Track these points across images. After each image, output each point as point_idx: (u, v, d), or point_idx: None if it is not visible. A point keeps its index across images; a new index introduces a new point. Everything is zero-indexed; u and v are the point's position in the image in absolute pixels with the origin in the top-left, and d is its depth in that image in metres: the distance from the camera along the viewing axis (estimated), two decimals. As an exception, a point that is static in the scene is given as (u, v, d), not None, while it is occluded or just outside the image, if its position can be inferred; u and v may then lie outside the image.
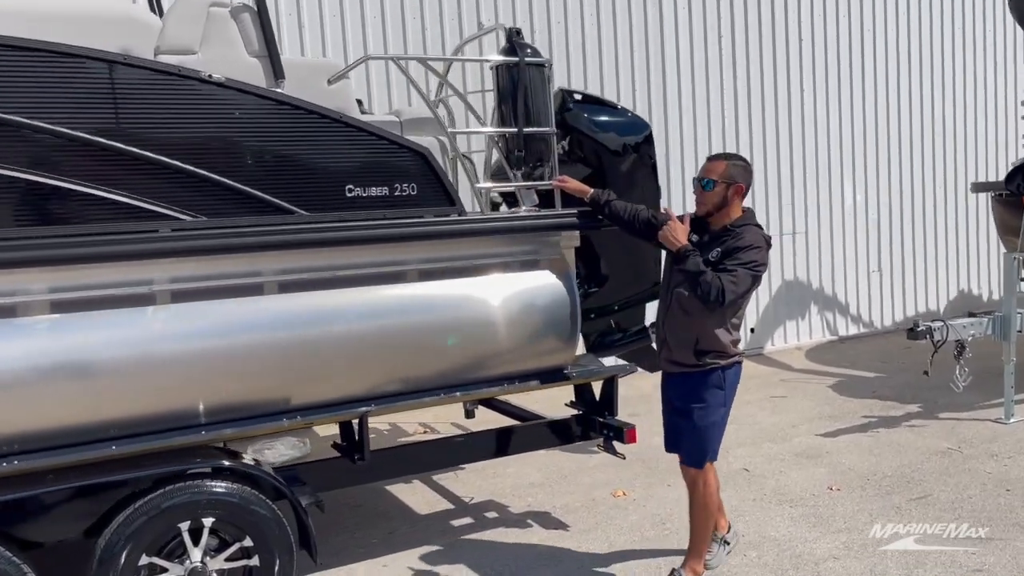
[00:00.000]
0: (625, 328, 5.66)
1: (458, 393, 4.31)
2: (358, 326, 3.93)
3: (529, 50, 4.36)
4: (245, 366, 3.71)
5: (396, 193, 3.98)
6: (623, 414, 4.96)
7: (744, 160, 3.96)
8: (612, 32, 8.45)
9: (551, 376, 4.56)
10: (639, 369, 5.53)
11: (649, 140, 5.38)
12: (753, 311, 9.37)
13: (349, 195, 3.89)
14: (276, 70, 3.73)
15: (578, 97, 5.47)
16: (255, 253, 3.70)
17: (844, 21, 9.67)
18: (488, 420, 5.33)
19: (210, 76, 3.55)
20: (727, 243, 3.74)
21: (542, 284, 4.39)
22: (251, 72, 3.71)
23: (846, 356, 9.14)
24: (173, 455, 3.68)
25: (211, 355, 3.64)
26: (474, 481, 5.71)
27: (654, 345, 5.82)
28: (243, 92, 3.63)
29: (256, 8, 3.69)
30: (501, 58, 4.28)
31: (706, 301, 3.63)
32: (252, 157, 3.67)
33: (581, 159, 5.16)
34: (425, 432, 7.07)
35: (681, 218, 3.89)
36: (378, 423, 7.21)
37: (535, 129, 4.33)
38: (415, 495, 5.50)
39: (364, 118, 4.07)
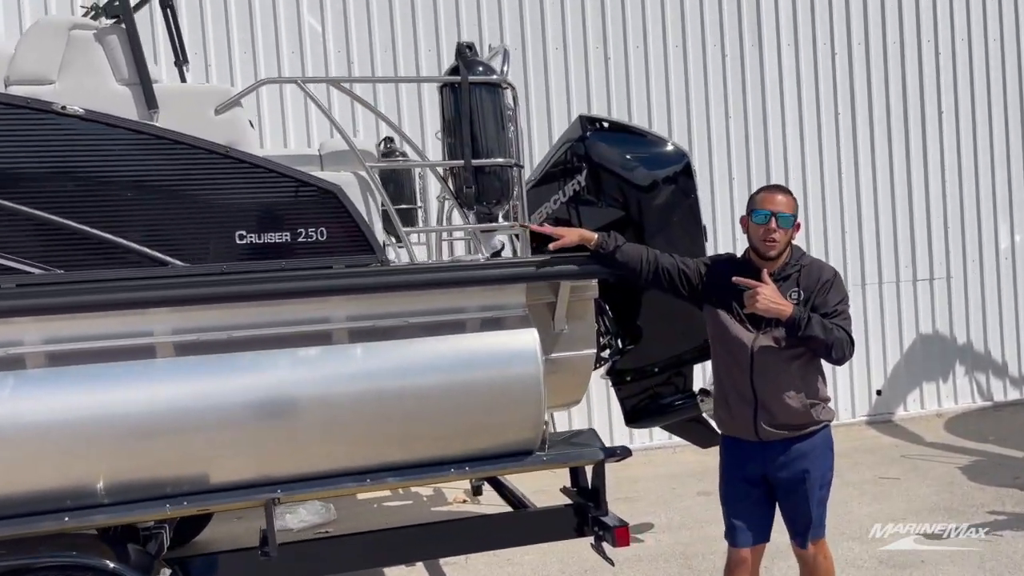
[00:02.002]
0: (668, 394, 4.79)
1: (390, 479, 3.58)
2: (242, 397, 3.30)
3: (480, 68, 3.62)
4: (103, 444, 3.17)
5: (300, 239, 3.34)
6: (660, 499, 4.13)
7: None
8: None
9: (514, 459, 3.72)
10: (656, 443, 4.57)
11: (687, 172, 4.52)
12: (880, 369, 8.00)
13: (240, 242, 3.29)
14: (148, 99, 3.22)
15: (603, 125, 4.70)
16: (110, 312, 3.18)
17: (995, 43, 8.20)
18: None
19: (64, 108, 3.08)
20: (804, 281, 3.37)
21: (493, 347, 3.60)
22: (120, 102, 3.21)
23: (998, 428, 7.55)
24: (23, 545, 3.18)
25: (63, 430, 3.13)
26: (484, 572, 4.94)
27: (706, 415, 4.87)
28: (107, 125, 3.13)
29: (126, 30, 3.20)
30: (439, 77, 3.58)
31: (842, 360, 3.36)
32: (117, 200, 3.16)
33: (605, 198, 4.38)
34: (465, 501, 6.36)
35: (738, 260, 3.50)
36: (423, 487, 6.58)
37: (487, 161, 3.57)
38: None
39: (272, 152, 3.49)
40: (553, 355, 4.09)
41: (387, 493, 6.56)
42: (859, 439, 7.47)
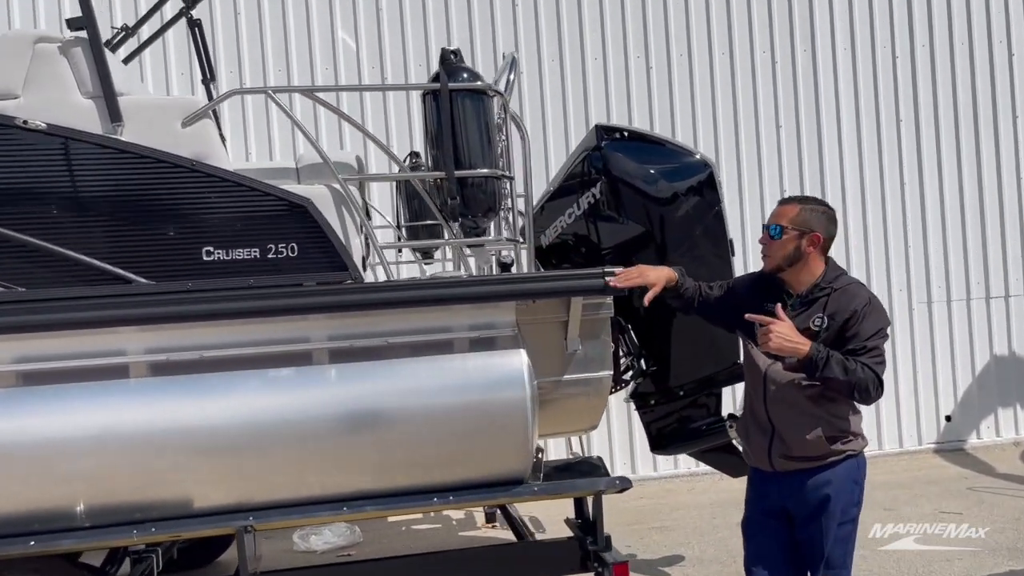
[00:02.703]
0: (697, 418, 4.51)
1: (369, 508, 3.40)
2: (209, 420, 3.18)
3: (464, 74, 3.43)
4: (64, 468, 3.09)
5: (270, 255, 3.21)
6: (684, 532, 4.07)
7: (825, 205, 3.20)
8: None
9: (502, 489, 3.49)
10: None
11: (710, 184, 4.28)
12: (949, 393, 7.44)
13: (207, 259, 3.18)
14: (112, 112, 3.13)
15: (621, 134, 4.48)
16: (73, 331, 3.10)
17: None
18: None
19: (26, 122, 3.02)
20: (832, 307, 3.04)
21: (475, 369, 3.39)
22: (84, 116, 3.14)
23: (1083, 459, 6.94)
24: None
25: (23, 453, 3.06)
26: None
27: (735, 442, 4.57)
28: (69, 140, 3.07)
29: (89, 41, 3.13)
30: (420, 84, 3.41)
31: (867, 402, 3.03)
32: (80, 216, 3.10)
33: (623, 212, 4.15)
34: (494, 527, 6.13)
35: (766, 277, 3.18)
36: (454, 511, 6.38)
37: (470, 172, 3.37)
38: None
39: (249, 166, 3.37)
40: (566, 376, 3.88)
41: (417, 515, 6.39)
42: (923, 468, 6.96)
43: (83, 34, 3.12)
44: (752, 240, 6.89)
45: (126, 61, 5.02)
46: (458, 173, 3.33)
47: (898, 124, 7.37)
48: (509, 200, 3.55)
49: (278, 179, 3.37)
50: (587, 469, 3.85)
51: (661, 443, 4.60)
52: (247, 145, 6.43)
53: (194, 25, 4.95)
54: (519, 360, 3.41)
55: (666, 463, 6.98)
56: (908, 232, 7.41)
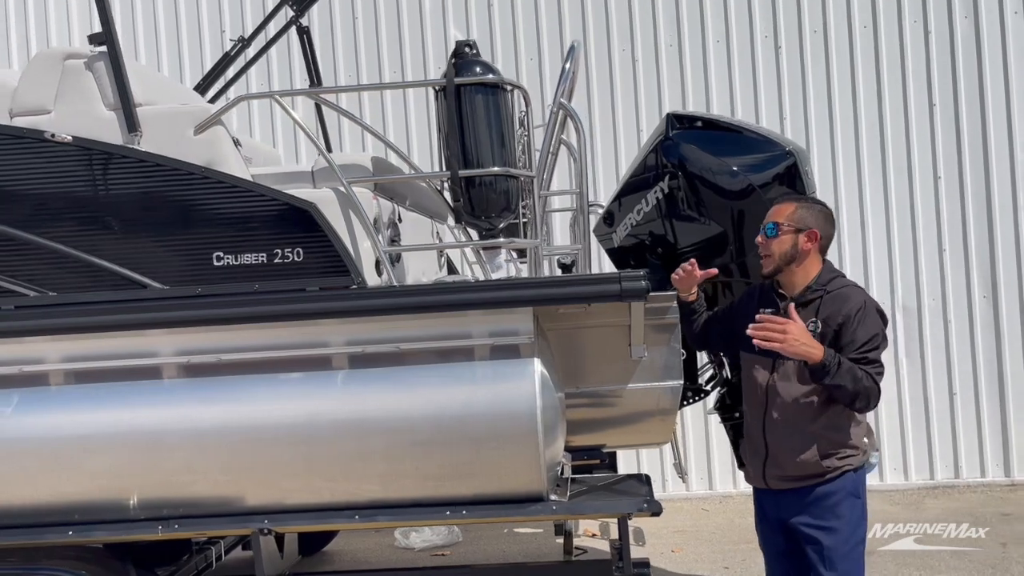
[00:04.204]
0: None
1: (381, 517, 3.33)
2: (219, 423, 3.22)
3: (477, 68, 3.26)
4: (94, 462, 3.25)
5: (276, 260, 3.21)
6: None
7: (823, 204, 3.18)
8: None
9: (518, 506, 3.30)
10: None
11: (792, 172, 3.87)
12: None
13: (217, 264, 3.23)
14: (130, 122, 3.25)
15: (694, 123, 4.16)
16: (104, 334, 3.24)
17: None
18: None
19: (53, 135, 3.20)
20: (825, 312, 2.97)
21: (482, 379, 3.22)
22: (107, 127, 3.27)
23: None
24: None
25: (60, 446, 3.24)
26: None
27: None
28: (90, 151, 3.21)
29: (108, 55, 3.26)
30: (424, 81, 3.29)
31: (865, 411, 2.98)
32: (102, 223, 3.23)
33: (695, 209, 3.87)
34: (595, 535, 5.92)
35: (763, 288, 3.19)
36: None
37: (478, 172, 3.20)
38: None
39: (266, 170, 3.40)
40: (630, 386, 3.66)
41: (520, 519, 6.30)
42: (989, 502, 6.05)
43: (105, 48, 3.26)
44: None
45: (237, 76, 5.26)
46: (464, 173, 3.18)
47: None
48: (531, 199, 3.35)
49: (294, 182, 3.37)
50: (626, 488, 3.58)
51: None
52: (296, 147, 6.58)
53: (303, 32, 5.09)
54: (530, 370, 3.20)
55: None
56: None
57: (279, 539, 3.51)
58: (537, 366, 3.22)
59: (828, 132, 6.58)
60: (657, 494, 6.60)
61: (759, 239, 3.12)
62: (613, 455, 4.79)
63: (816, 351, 2.83)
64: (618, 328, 3.56)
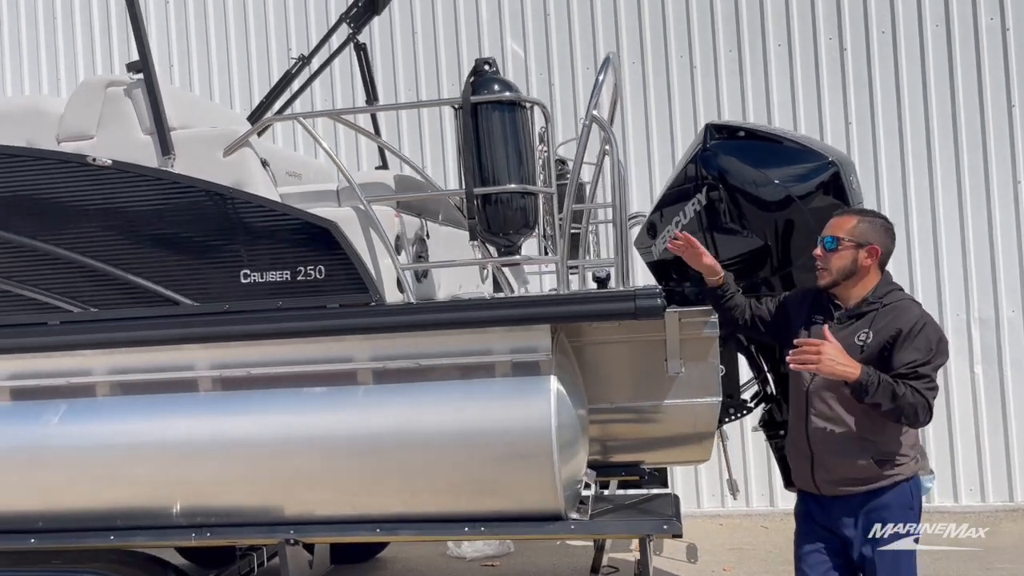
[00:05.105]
0: None
1: (403, 532, 3.37)
2: (247, 434, 3.33)
3: (496, 85, 3.27)
4: (129, 470, 3.40)
5: (299, 278, 3.29)
6: None
7: (884, 218, 3.10)
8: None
9: (536, 524, 3.29)
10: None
11: (836, 182, 3.75)
12: None
13: (244, 281, 3.33)
14: (164, 146, 3.39)
15: (735, 133, 4.08)
16: (147, 348, 3.40)
17: None
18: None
19: (94, 159, 3.37)
20: (879, 323, 2.91)
21: (496, 397, 3.23)
22: (143, 151, 3.43)
23: None
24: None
25: (96, 454, 3.41)
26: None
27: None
28: (127, 173, 3.37)
29: (144, 82, 3.41)
30: (439, 100, 3.31)
31: (914, 425, 2.88)
32: (138, 242, 3.38)
33: (736, 221, 3.80)
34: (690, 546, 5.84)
35: (816, 293, 3.09)
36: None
37: (493, 189, 3.21)
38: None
39: (294, 188, 3.49)
40: (666, 402, 3.62)
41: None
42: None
43: (142, 76, 3.41)
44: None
45: (300, 91, 5.43)
46: (479, 190, 3.19)
47: None
48: (552, 216, 3.34)
49: (320, 201, 3.46)
50: (652, 508, 3.53)
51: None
52: (358, 161, 6.63)
53: (359, 49, 5.22)
54: (546, 387, 3.19)
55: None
56: None
57: (309, 548, 3.59)
58: (553, 384, 3.21)
59: (897, 138, 6.33)
60: (715, 511, 6.52)
61: (817, 251, 3.03)
62: (664, 471, 4.72)
63: (853, 370, 2.75)
64: (653, 343, 3.52)
